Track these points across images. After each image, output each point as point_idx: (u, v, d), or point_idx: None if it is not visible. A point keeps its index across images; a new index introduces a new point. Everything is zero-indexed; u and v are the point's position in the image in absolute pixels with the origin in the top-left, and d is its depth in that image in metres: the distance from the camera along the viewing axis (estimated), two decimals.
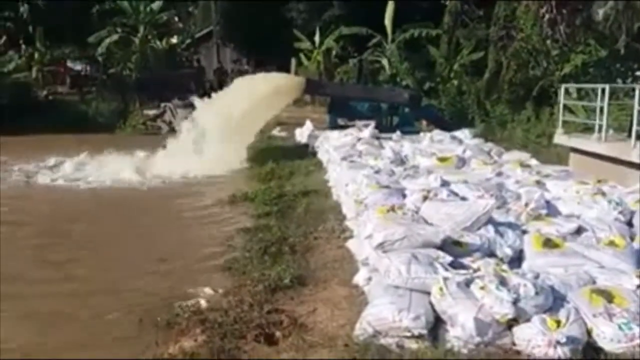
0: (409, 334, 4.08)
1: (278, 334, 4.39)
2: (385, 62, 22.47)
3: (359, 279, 5.28)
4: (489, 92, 17.40)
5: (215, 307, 5.02)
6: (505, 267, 4.69)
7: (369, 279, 5.09)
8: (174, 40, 29.39)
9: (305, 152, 13.53)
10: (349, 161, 9.79)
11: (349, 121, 15.15)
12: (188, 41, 30.01)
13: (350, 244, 6.20)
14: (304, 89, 15.40)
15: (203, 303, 5.14)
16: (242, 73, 23.33)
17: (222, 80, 24.95)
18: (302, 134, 14.79)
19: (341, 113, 15.85)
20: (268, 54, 27.24)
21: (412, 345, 4.04)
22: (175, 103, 20.27)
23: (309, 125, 14.81)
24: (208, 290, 5.57)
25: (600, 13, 20.45)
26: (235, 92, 14.01)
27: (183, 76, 24.72)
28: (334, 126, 15.12)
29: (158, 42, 26.28)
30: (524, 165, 9.02)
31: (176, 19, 32.88)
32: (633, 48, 19.27)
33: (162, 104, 21.02)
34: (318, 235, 6.99)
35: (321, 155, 12.28)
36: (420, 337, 4.08)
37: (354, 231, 6.55)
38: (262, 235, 7.06)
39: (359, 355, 3.91)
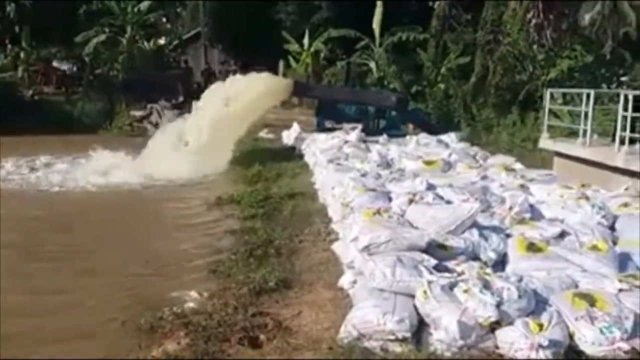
0: (393, 337, 4.09)
1: (262, 337, 4.38)
2: (373, 65, 22.53)
3: (344, 282, 5.28)
4: (475, 96, 17.51)
5: (199, 310, 5.01)
6: (489, 270, 4.71)
7: (354, 282, 5.10)
8: (162, 41, 29.31)
9: (292, 154, 13.53)
10: (336, 164, 9.79)
11: (336, 124, 15.16)
12: (176, 42, 29.92)
13: (336, 247, 6.20)
14: (291, 91, 15.41)
15: (187, 306, 5.12)
16: (230, 74, 23.29)
17: (209, 82, 24.89)
18: (289, 136, 14.77)
19: (329, 116, 15.87)
20: (256, 55, 27.20)
21: (396, 348, 4.05)
22: (162, 104, 20.20)
23: (296, 127, 14.81)
24: (193, 294, 5.55)
25: (586, 18, 20.64)
26: (222, 93, 13.97)
27: (170, 77, 24.61)
28: (322, 129, 15.12)
29: (145, 43, 26.22)
30: (508, 169, 9.07)
31: (164, 19, 32.80)
32: (618, 53, 19.46)
33: (149, 105, 20.94)
34: (304, 238, 7.00)
35: (308, 158, 12.29)
36: (404, 340, 4.09)
37: (340, 234, 6.55)
38: (248, 238, 7.05)
39: (343, 358, 3.91)
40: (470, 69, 18.58)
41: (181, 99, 20.32)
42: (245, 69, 25.78)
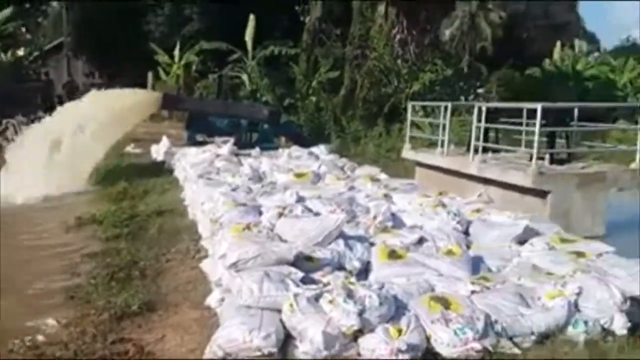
0: (259, 354, 4.05)
1: None
2: (245, 77, 22.54)
3: (212, 300, 5.18)
4: (344, 108, 18.05)
5: (54, 340, 4.67)
6: (353, 279, 4.82)
7: (222, 300, 5.01)
8: (21, 52, 27.41)
9: (162, 169, 13.11)
10: (206, 178, 9.63)
11: (207, 137, 14.95)
12: (36, 53, 28.08)
13: (205, 265, 6.07)
14: (160, 104, 14.97)
15: (40, 337, 4.76)
16: (94, 87, 22.30)
17: (72, 95, 23.66)
18: (158, 151, 14.31)
19: (200, 129, 15.60)
20: (124, 67, 26.24)
21: None
22: (19, 119, 18.84)
23: (165, 141, 14.39)
24: (49, 322, 5.17)
25: (446, 33, 22.07)
26: (84, 107, 13.26)
27: (29, 90, 23.05)
28: (193, 142, 14.83)
29: (2, 55, 24.43)
30: (374, 180, 9.41)
31: (23, 29, 30.74)
32: (475, 67, 20.97)
33: (4, 120, 19.44)
34: (171, 257, 6.78)
35: (178, 173, 11.98)
36: (270, 355, 4.07)
37: (209, 251, 6.43)
38: (110, 260, 6.68)
39: None
40: (340, 82, 19.14)
41: (40, 113, 19.01)
42: (111, 81, 24.84)
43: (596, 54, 52.97)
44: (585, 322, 4.33)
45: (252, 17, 22.59)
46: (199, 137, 15.19)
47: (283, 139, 16.13)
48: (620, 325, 4.32)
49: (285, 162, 11.52)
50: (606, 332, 4.33)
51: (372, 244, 5.78)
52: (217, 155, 12.05)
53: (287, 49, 22.08)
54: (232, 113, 16.05)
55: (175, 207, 9.27)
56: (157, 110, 16.31)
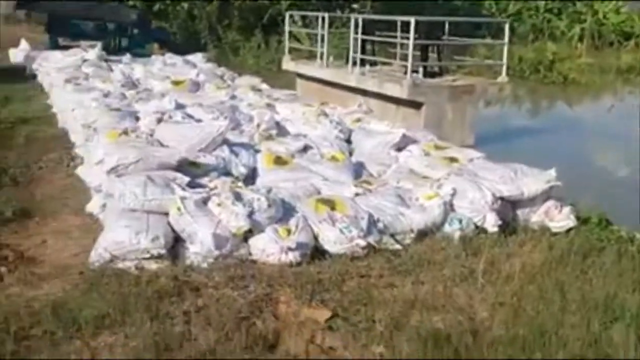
0: (148, 255, 4.02)
1: (2, 269, 3.96)
2: None
3: (93, 206, 5.00)
4: (220, 17, 17.37)
5: None
6: (240, 184, 4.86)
7: (104, 205, 4.84)
8: None
9: (23, 75, 12.04)
10: (74, 84, 9.01)
11: (72, 41, 13.82)
12: None
13: (81, 172, 5.77)
14: (15, 4, 13.52)
15: None
16: None
17: None
18: (16, 55, 13.03)
19: (62, 32, 14.35)
20: None
21: (152, 265, 4.00)
22: None
23: (24, 44, 13.11)
24: None
25: None
26: None
27: None
28: (55, 46, 13.65)
29: None
30: (255, 90, 9.34)
31: None
32: None
33: None
34: (43, 165, 6.38)
35: (42, 79, 11.08)
36: (159, 257, 4.05)
37: (84, 158, 6.12)
38: None
39: (96, 281, 3.73)
40: None
41: None
42: None
43: None
44: (460, 220, 4.68)
45: None
46: (62, 41, 14.01)
47: (156, 45, 15.30)
48: (491, 223, 4.70)
49: (160, 69, 11.04)
50: (479, 229, 4.70)
51: (257, 151, 5.82)
52: (84, 60, 11.25)
53: None
54: (96, 16, 14.88)
55: (41, 114, 8.66)
56: (12, 11, 14.72)
